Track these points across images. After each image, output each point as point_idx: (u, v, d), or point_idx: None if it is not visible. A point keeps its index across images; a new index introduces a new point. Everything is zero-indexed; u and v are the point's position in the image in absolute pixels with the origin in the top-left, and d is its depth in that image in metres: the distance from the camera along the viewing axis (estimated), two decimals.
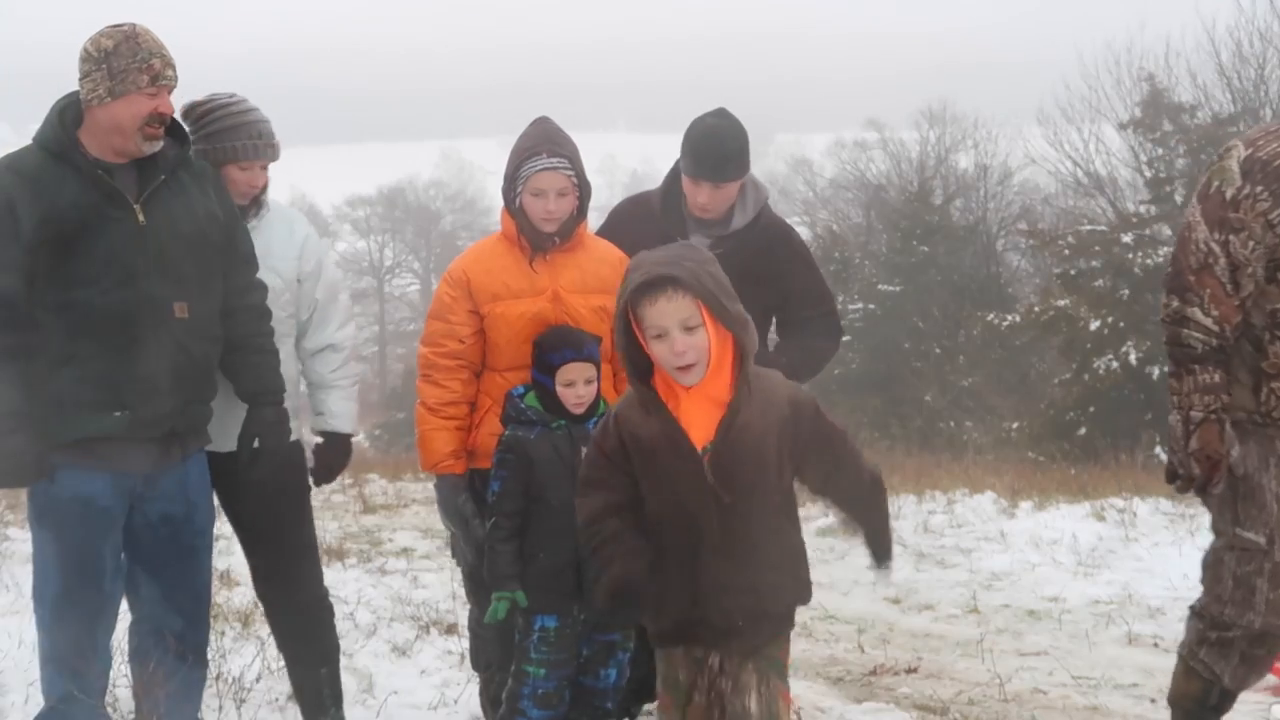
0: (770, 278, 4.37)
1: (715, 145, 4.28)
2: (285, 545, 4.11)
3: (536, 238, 3.99)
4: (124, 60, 3.50)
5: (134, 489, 3.63)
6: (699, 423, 3.01)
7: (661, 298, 2.92)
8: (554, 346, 3.84)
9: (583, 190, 4.03)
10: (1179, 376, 3.52)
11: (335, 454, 4.21)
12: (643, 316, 2.94)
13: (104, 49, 3.51)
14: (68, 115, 3.58)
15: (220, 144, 3.92)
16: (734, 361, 2.99)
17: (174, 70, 3.59)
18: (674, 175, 4.47)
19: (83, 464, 3.54)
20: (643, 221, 4.35)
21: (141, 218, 3.56)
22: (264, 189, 4.05)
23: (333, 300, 4.19)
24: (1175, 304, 3.51)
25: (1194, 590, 7.11)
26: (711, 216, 4.37)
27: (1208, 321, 3.46)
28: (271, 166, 4.10)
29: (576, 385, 3.81)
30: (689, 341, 2.92)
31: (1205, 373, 3.47)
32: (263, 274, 3.91)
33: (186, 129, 3.81)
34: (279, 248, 4.04)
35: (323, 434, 4.21)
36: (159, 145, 3.61)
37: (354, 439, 4.36)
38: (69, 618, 3.61)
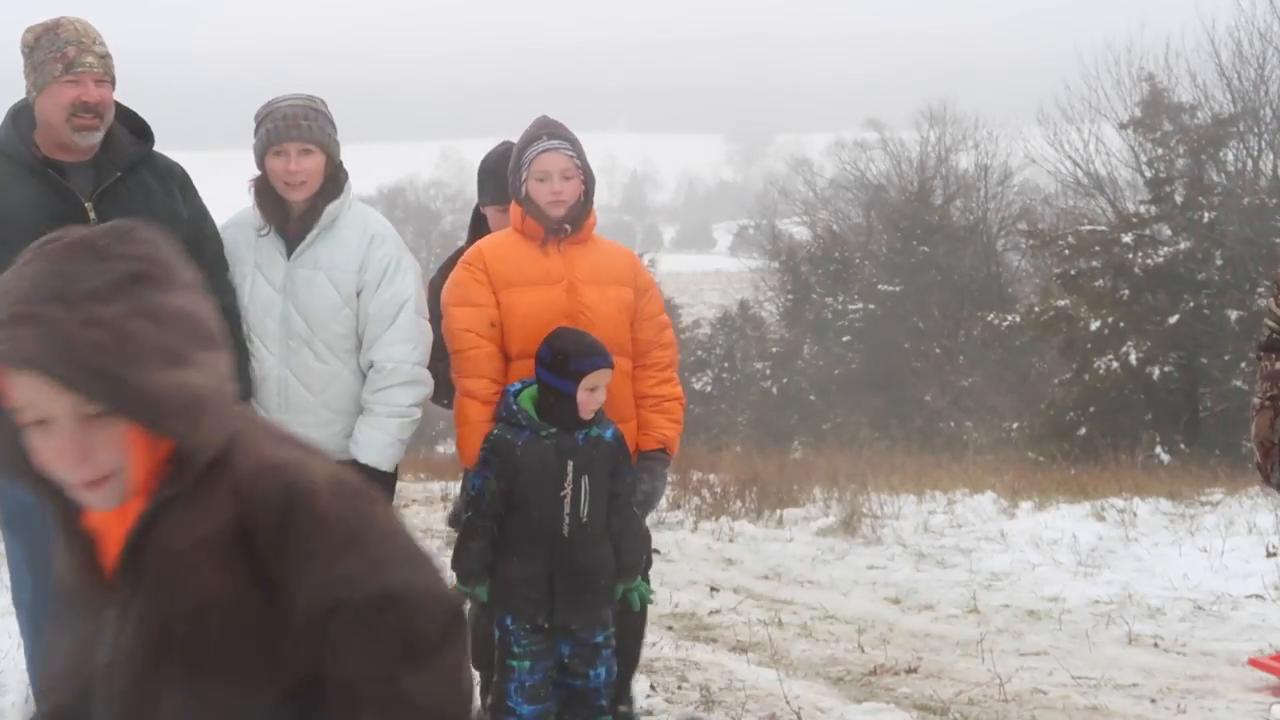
0: None
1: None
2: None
3: (547, 222, 3.92)
4: (43, 52, 3.47)
5: None
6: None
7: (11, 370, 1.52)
8: (582, 354, 3.72)
9: (588, 177, 3.97)
10: (1257, 364, 3.68)
11: None
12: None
13: (28, 44, 3.49)
14: (21, 117, 3.56)
15: (257, 135, 3.85)
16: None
17: (95, 56, 3.49)
18: (477, 219, 4.30)
19: None
20: None
21: (93, 215, 3.50)
22: (330, 189, 3.87)
23: (387, 316, 3.87)
24: (1270, 298, 3.73)
25: (1194, 590, 7.15)
26: None
27: (1279, 310, 3.64)
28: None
29: (598, 390, 3.74)
30: (81, 442, 1.53)
31: (1268, 359, 3.65)
32: (321, 288, 3.83)
33: (148, 126, 3.75)
34: (341, 259, 3.87)
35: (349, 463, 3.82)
36: (96, 135, 3.53)
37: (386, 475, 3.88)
38: (45, 622, 3.61)
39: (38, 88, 3.47)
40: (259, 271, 3.87)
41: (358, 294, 3.86)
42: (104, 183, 3.55)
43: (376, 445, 3.82)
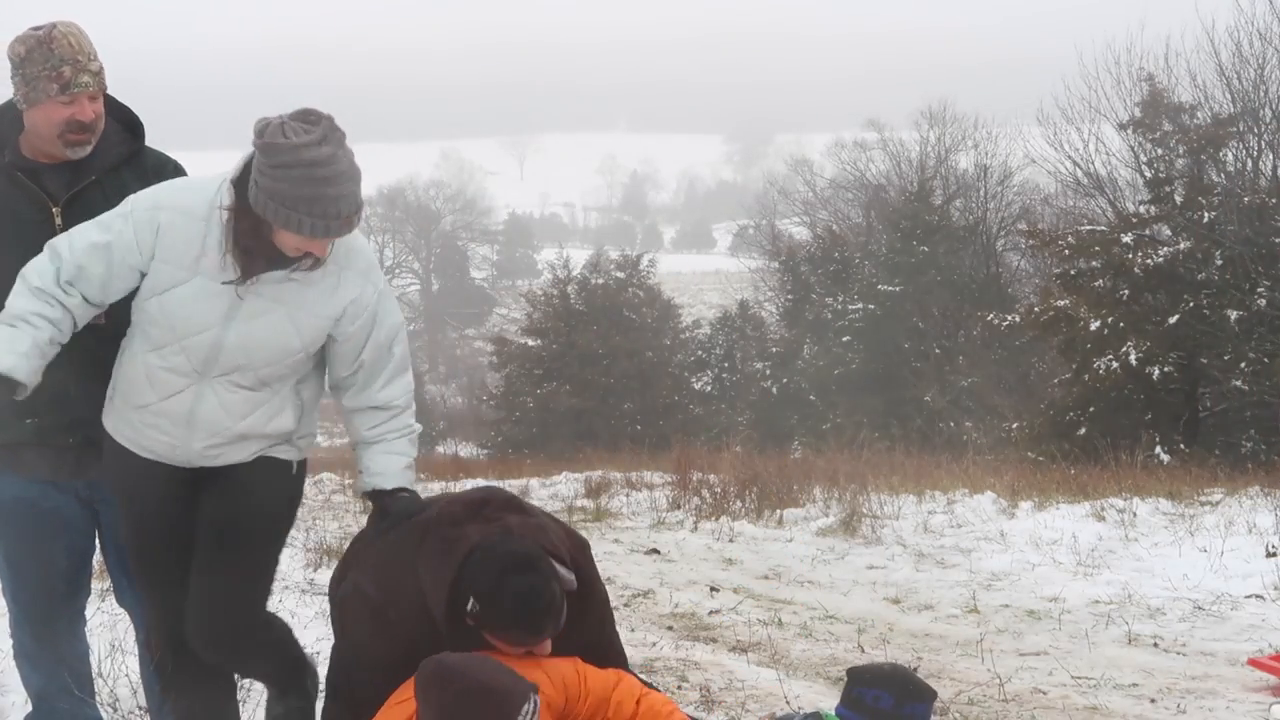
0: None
1: (539, 605, 3.21)
2: (238, 570, 3.45)
3: None
4: (35, 68, 3.33)
5: (79, 492, 3.57)
6: None
7: None
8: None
9: None
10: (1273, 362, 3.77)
11: (394, 506, 3.50)
12: None
13: (18, 55, 3.36)
14: (4, 118, 3.46)
15: (285, 207, 3.11)
16: None
17: (91, 75, 3.37)
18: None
19: (16, 468, 3.50)
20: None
21: (59, 221, 3.40)
22: None
23: (382, 359, 3.44)
24: None
25: (1194, 590, 7.15)
26: None
27: None
28: None
29: None
30: None
31: None
32: (278, 328, 3.28)
33: (140, 121, 3.55)
34: (312, 300, 3.30)
35: (370, 493, 3.55)
36: (86, 150, 3.43)
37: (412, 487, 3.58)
38: (26, 617, 3.62)
39: (29, 102, 3.36)
40: (204, 280, 3.24)
41: (333, 338, 3.37)
42: (76, 187, 3.43)
43: (391, 470, 3.48)
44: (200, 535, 3.43)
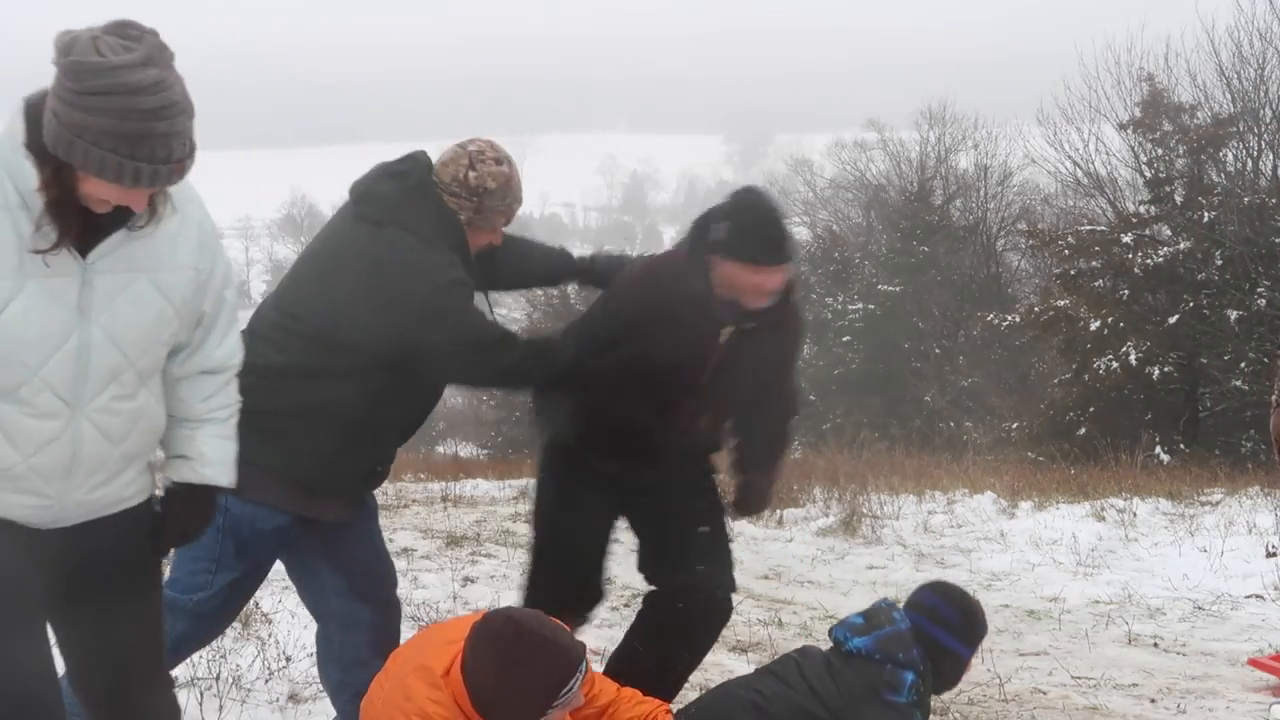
0: (773, 355, 4.08)
1: (777, 223, 3.74)
2: (125, 648, 2.84)
3: None
4: (496, 201, 3.59)
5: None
6: None
7: None
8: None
9: None
10: (1274, 363, 3.88)
11: (197, 514, 2.90)
12: None
13: (486, 188, 3.57)
14: (448, 226, 3.62)
15: (97, 147, 2.36)
16: None
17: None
18: (700, 262, 3.76)
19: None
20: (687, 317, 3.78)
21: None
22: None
23: (217, 307, 2.82)
24: None
25: (1193, 590, 7.15)
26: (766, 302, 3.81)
27: None
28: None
29: None
30: None
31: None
32: (144, 298, 2.63)
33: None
34: (168, 252, 2.65)
35: (181, 485, 2.85)
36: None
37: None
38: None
39: (474, 226, 3.58)
40: (37, 284, 2.50)
41: (193, 295, 2.74)
42: None
43: (227, 460, 2.88)
44: (70, 576, 2.73)
